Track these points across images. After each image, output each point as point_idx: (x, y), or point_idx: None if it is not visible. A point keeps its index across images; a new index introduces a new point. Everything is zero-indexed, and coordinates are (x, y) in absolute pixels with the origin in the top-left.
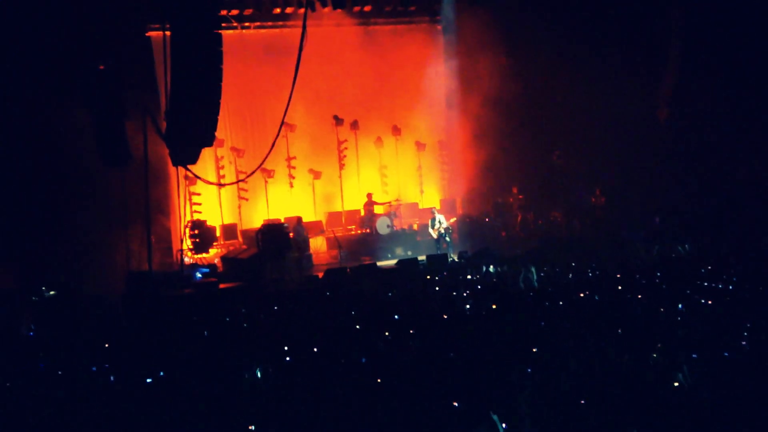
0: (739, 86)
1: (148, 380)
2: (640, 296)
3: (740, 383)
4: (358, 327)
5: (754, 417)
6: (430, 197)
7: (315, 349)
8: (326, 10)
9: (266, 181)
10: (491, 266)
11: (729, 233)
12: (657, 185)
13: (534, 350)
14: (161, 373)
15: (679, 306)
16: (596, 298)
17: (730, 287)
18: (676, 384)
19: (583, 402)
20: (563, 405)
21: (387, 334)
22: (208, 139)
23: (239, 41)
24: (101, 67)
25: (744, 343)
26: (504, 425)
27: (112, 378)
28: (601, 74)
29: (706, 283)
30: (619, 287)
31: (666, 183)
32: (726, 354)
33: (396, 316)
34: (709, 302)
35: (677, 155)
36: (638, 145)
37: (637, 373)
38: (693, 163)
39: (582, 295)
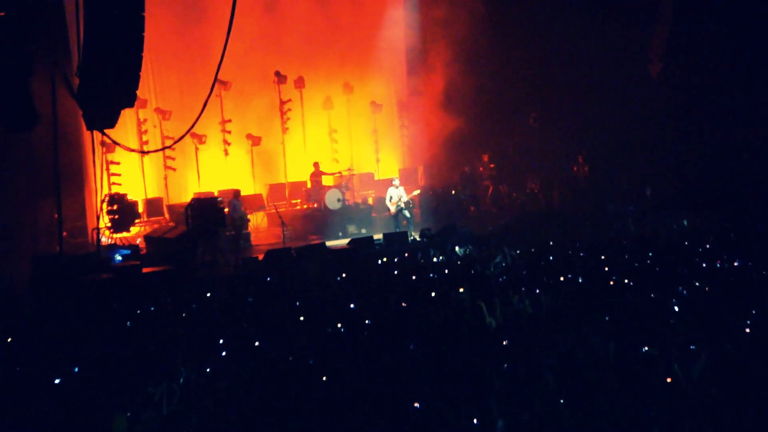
0: (738, 34)
1: (57, 381)
2: (628, 280)
3: (742, 378)
4: (303, 318)
5: (758, 416)
6: (388, 166)
7: (256, 344)
8: None
9: (197, 148)
10: (458, 246)
11: (731, 206)
12: (648, 151)
13: (505, 343)
14: (75, 370)
15: (674, 290)
16: (579, 281)
17: (732, 268)
18: (669, 380)
19: (563, 401)
20: (540, 404)
21: (339, 325)
22: (129, 99)
23: None
24: (2, 14)
25: (747, 331)
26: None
27: (17, 376)
28: (586, 25)
29: (704, 264)
30: (605, 269)
31: (658, 148)
32: (728, 345)
33: (351, 305)
34: (707, 288)
35: (671, 116)
36: (627, 106)
37: (626, 368)
38: (689, 124)
39: (562, 278)
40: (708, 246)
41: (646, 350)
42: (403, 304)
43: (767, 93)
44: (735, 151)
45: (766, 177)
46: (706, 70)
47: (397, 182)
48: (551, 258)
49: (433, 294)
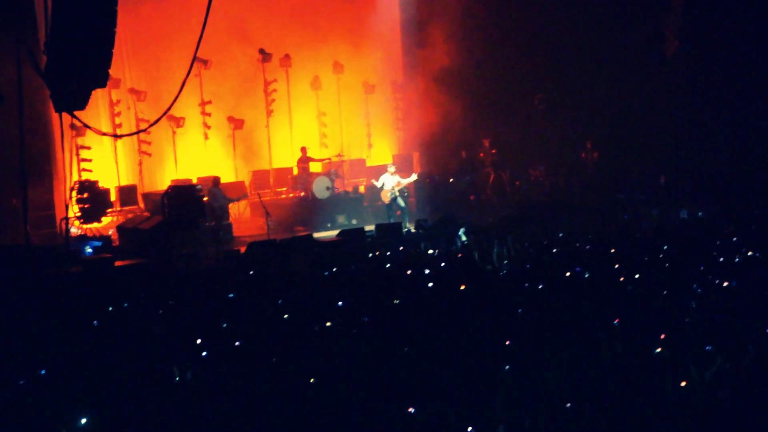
0: (764, 9)
1: (21, 382)
2: (639, 275)
3: (764, 382)
4: (288, 316)
5: None
6: (381, 152)
7: (237, 343)
8: None
9: (174, 132)
10: (457, 238)
11: (752, 195)
12: (662, 137)
13: (508, 343)
14: (41, 372)
15: (689, 287)
16: (586, 276)
17: (753, 263)
18: (683, 384)
19: (569, 405)
20: (546, 409)
21: (328, 324)
22: (101, 79)
23: None
24: None
25: None
26: None
27: None
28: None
29: (722, 258)
30: (615, 264)
31: (673, 134)
32: (749, 346)
33: (339, 303)
34: (725, 283)
35: (687, 99)
36: (639, 88)
37: (637, 371)
38: (707, 108)
39: (569, 273)
40: (727, 239)
41: (658, 351)
42: (396, 301)
43: None
44: (757, 137)
45: None
46: (726, 49)
47: (392, 169)
48: (556, 251)
49: (429, 290)
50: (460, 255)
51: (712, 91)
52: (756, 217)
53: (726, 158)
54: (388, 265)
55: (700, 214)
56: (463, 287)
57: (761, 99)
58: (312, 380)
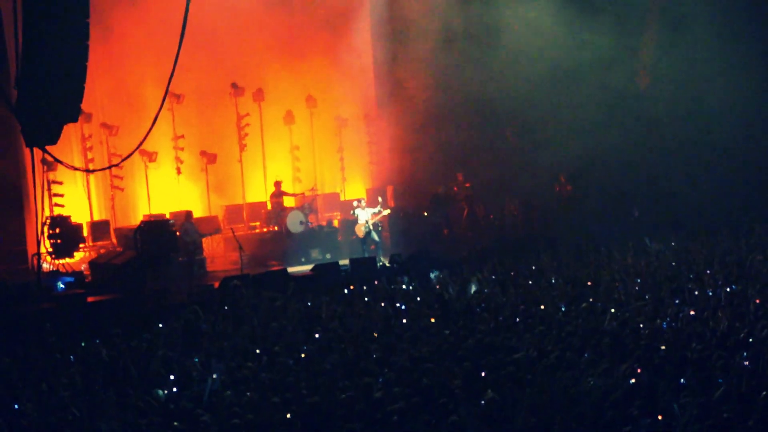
0: (735, 39)
1: None
2: (614, 309)
3: (738, 414)
4: (259, 351)
5: None
6: (354, 187)
7: (213, 376)
8: None
9: (147, 167)
10: (431, 272)
11: (726, 226)
12: (635, 169)
13: (482, 374)
14: (15, 407)
15: (664, 319)
16: (562, 309)
17: (727, 294)
18: (660, 417)
19: None
20: None
21: (303, 356)
22: (72, 113)
23: None
24: None
25: (746, 363)
26: None
27: None
28: (567, 33)
29: (697, 292)
30: (590, 298)
31: (647, 166)
32: (720, 380)
33: (316, 335)
34: (692, 312)
35: (661, 131)
36: (613, 120)
37: (611, 402)
38: (680, 141)
39: (543, 307)
40: (701, 270)
41: (632, 383)
42: (375, 334)
43: (763, 107)
44: (733, 167)
45: (761, 195)
46: (700, 80)
47: (363, 203)
48: (530, 284)
49: (403, 322)
50: (435, 288)
51: (684, 124)
52: (730, 250)
53: (701, 189)
54: (366, 299)
55: (673, 244)
56: (433, 321)
57: (732, 132)
58: (288, 415)
